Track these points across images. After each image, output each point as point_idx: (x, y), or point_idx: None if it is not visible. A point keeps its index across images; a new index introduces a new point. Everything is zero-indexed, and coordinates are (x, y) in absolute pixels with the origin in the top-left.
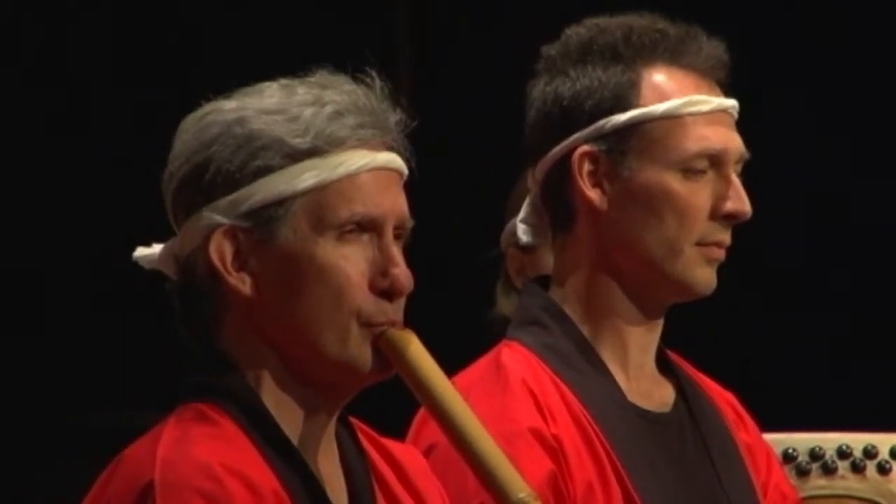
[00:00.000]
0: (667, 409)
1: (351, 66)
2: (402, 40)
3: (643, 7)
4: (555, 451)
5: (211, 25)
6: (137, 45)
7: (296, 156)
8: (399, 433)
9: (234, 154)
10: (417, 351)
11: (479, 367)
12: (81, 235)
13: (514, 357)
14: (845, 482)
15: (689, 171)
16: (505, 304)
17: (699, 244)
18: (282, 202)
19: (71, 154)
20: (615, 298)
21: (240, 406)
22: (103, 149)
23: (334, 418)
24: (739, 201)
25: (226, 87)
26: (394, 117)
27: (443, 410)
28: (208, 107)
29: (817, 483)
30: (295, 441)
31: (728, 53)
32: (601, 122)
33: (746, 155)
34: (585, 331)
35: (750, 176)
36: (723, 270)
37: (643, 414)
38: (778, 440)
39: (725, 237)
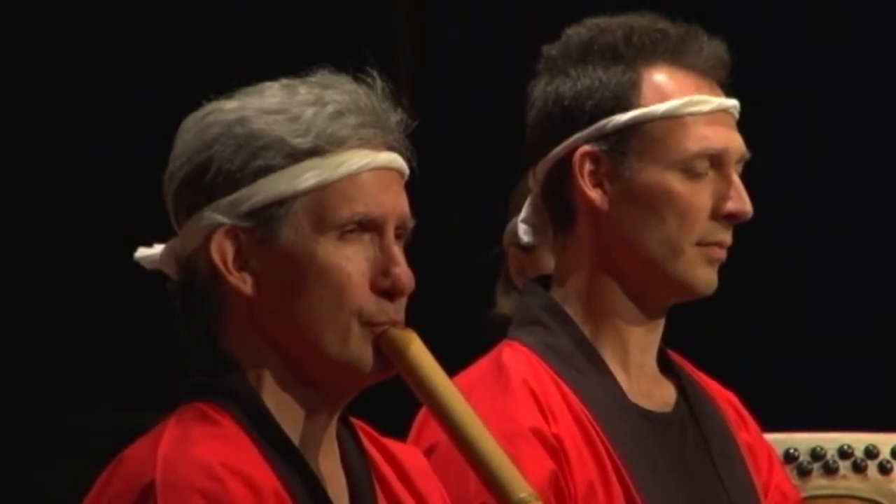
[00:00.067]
0: (668, 408)
1: (351, 66)
2: (402, 40)
3: (643, 7)
4: (556, 450)
5: (211, 25)
6: (137, 45)
7: (297, 155)
8: (400, 433)
9: (235, 154)
10: (419, 351)
11: (480, 367)
12: (81, 235)
13: (515, 357)
14: (846, 482)
15: (690, 171)
16: (505, 304)
17: (700, 244)
18: (283, 202)
19: (71, 154)
20: (616, 298)
21: (241, 406)
22: (103, 149)
23: (335, 418)
24: (740, 201)
25: (226, 87)
26: (395, 117)
27: (444, 410)
28: (209, 107)
29: (818, 483)
30: (296, 441)
31: (728, 53)
32: (602, 122)
33: (747, 155)
34: (586, 331)
35: (750, 176)
36: (723, 270)
37: (644, 414)
38: (779, 440)
39: (726, 237)
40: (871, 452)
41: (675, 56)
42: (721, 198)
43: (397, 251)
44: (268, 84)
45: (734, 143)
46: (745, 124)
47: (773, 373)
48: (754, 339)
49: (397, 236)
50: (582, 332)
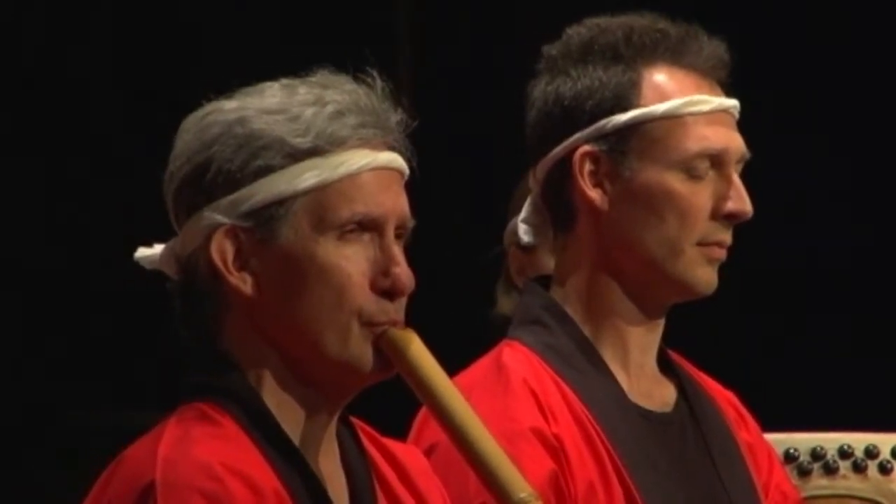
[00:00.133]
0: (668, 408)
1: (351, 66)
2: (402, 40)
3: (643, 7)
4: (556, 450)
5: (211, 25)
6: (137, 45)
7: (297, 155)
8: (400, 433)
9: (235, 154)
10: (419, 350)
11: (480, 367)
12: (81, 235)
13: (515, 357)
14: (847, 482)
15: (690, 171)
16: (505, 304)
17: (700, 244)
18: (283, 202)
19: (71, 154)
20: (616, 298)
21: (241, 406)
22: (103, 149)
23: (335, 418)
24: (740, 201)
25: (226, 87)
26: (395, 117)
27: (444, 410)
28: (209, 106)
29: (819, 483)
30: (296, 441)
31: (728, 53)
32: (602, 122)
33: (747, 155)
34: (586, 330)
35: (750, 176)
36: (723, 270)
37: (644, 414)
38: (779, 440)
39: (726, 237)
40: (871, 452)
41: (675, 56)
42: (721, 198)
43: (397, 251)
44: (268, 84)
45: (734, 142)
46: (745, 124)
47: (773, 373)
48: (754, 339)
49: (397, 236)
50: (582, 331)
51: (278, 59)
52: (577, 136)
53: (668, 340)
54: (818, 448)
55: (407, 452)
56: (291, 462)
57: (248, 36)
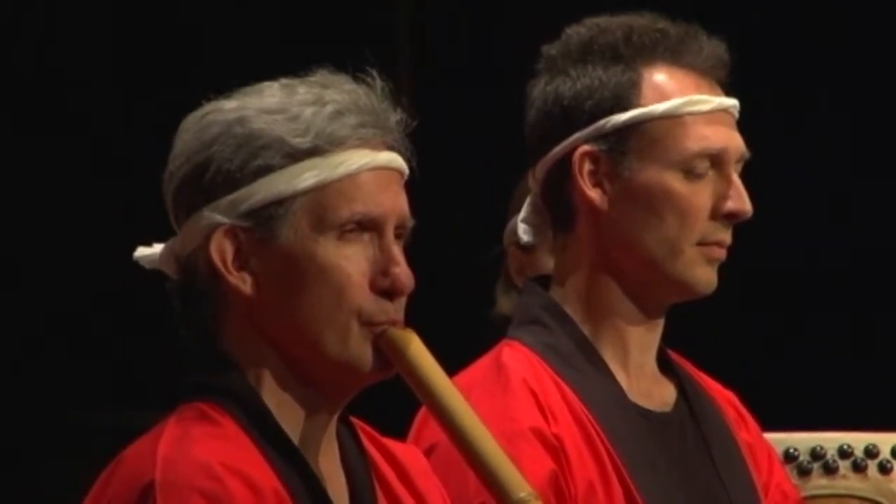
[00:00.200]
0: (668, 408)
1: (351, 66)
2: (402, 40)
3: (643, 7)
4: (556, 450)
5: (211, 25)
6: (137, 45)
7: (296, 155)
8: (400, 433)
9: (234, 153)
10: (418, 350)
11: (479, 367)
12: (81, 235)
13: (514, 356)
14: (846, 482)
15: (689, 171)
16: (505, 303)
17: (700, 244)
18: (282, 202)
19: (71, 154)
20: (615, 298)
21: (240, 405)
22: (103, 149)
23: (335, 418)
24: (740, 201)
25: (226, 87)
26: (394, 117)
27: (444, 410)
28: (209, 106)
29: (819, 482)
30: (296, 440)
31: (728, 53)
32: (601, 122)
33: (747, 154)
34: (586, 330)
35: (750, 176)
36: (723, 270)
37: (644, 413)
38: (779, 440)
39: (726, 237)
40: (871, 452)
41: (674, 56)
42: (721, 197)
43: (397, 251)
44: (267, 84)
45: (734, 142)
46: (745, 124)
47: (773, 373)
48: (754, 339)
49: (397, 236)
50: (581, 331)
51: (278, 59)
52: (576, 135)
53: (668, 340)
54: (818, 448)
55: (407, 452)
56: (291, 462)
57: (248, 36)
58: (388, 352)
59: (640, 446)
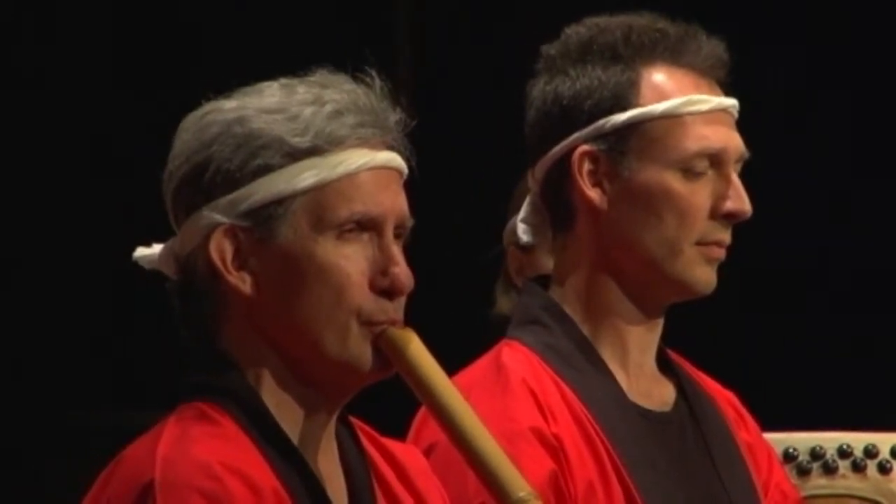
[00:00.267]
0: (667, 408)
1: (351, 66)
2: (402, 40)
3: (643, 7)
4: (555, 450)
5: (211, 25)
6: (137, 45)
7: (296, 155)
8: (399, 432)
9: (234, 153)
10: (418, 350)
11: (479, 367)
12: (81, 235)
13: (514, 356)
14: (846, 481)
15: (689, 170)
16: (504, 303)
17: (699, 244)
18: (282, 201)
19: (71, 155)
20: (615, 298)
21: (240, 405)
22: (103, 149)
23: (334, 417)
24: (739, 200)
25: (226, 87)
26: (394, 116)
27: (443, 409)
28: (208, 106)
29: (818, 482)
30: (295, 440)
31: (728, 53)
32: (601, 122)
33: (746, 154)
34: (585, 330)
35: (750, 176)
36: (723, 270)
37: (644, 413)
38: (778, 439)
39: (725, 236)
40: (870, 452)
41: (673, 55)
42: (720, 197)
43: (396, 250)
44: (267, 84)
45: (733, 142)
46: (745, 124)
47: (773, 373)
48: (754, 339)
49: (396, 236)
50: (581, 331)
51: (278, 59)
52: (575, 135)
53: (668, 340)
54: (817, 447)
55: (406, 452)
56: (290, 461)
57: (248, 36)
58: (387, 351)
59: (640, 446)
